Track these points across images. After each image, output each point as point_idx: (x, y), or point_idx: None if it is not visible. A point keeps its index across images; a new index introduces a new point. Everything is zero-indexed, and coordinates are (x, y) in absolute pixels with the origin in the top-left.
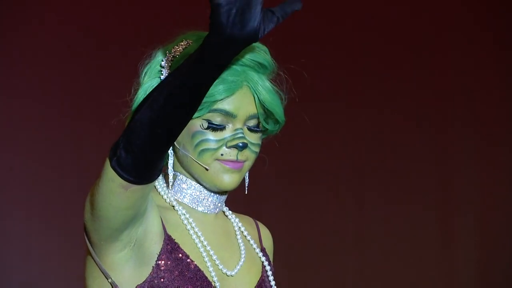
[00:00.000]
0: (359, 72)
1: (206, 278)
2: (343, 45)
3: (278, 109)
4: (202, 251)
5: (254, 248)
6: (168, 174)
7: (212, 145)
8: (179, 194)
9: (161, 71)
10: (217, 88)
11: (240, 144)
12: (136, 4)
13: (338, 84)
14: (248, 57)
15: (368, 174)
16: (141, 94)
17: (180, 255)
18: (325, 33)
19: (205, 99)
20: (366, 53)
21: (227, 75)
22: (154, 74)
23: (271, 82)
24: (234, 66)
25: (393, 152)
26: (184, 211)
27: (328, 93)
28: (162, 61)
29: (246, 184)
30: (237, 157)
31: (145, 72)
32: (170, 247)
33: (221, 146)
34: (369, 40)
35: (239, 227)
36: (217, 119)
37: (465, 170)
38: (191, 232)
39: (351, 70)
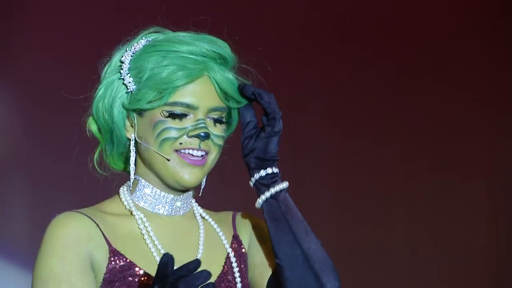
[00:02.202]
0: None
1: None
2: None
3: (239, 98)
4: (155, 255)
5: (224, 244)
6: (133, 179)
7: (173, 134)
8: (140, 199)
9: (121, 66)
10: (176, 74)
11: (202, 134)
12: None
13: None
14: (209, 49)
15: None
16: (102, 89)
17: (123, 263)
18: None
19: (164, 86)
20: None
21: (188, 63)
22: (114, 70)
23: (233, 74)
24: (195, 57)
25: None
26: (142, 216)
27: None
28: (122, 56)
29: (202, 186)
30: (199, 146)
31: (106, 69)
32: (114, 260)
33: (182, 136)
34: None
35: (211, 224)
36: (177, 109)
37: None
38: (146, 237)
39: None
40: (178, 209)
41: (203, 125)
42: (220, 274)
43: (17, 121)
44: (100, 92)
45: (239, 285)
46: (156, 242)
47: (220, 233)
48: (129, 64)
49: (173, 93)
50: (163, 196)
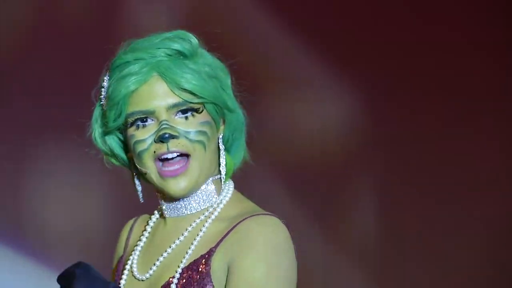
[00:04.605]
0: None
1: (115, 282)
2: None
3: (200, 90)
4: (130, 258)
5: (187, 253)
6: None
7: (144, 145)
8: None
9: (101, 91)
10: (125, 82)
11: (166, 135)
12: None
13: None
14: (161, 48)
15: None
16: (95, 125)
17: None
18: None
19: (117, 99)
20: None
21: (135, 70)
22: (98, 97)
23: (191, 66)
24: (144, 60)
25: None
26: (152, 221)
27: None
28: (104, 81)
29: (222, 180)
30: (168, 148)
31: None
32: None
33: (152, 143)
34: None
35: (203, 227)
36: (136, 118)
37: None
38: (139, 242)
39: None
40: (182, 210)
41: (164, 126)
42: (164, 284)
43: None
44: (94, 127)
45: None
46: (139, 248)
47: (195, 241)
48: (106, 87)
49: (127, 104)
50: (169, 200)
